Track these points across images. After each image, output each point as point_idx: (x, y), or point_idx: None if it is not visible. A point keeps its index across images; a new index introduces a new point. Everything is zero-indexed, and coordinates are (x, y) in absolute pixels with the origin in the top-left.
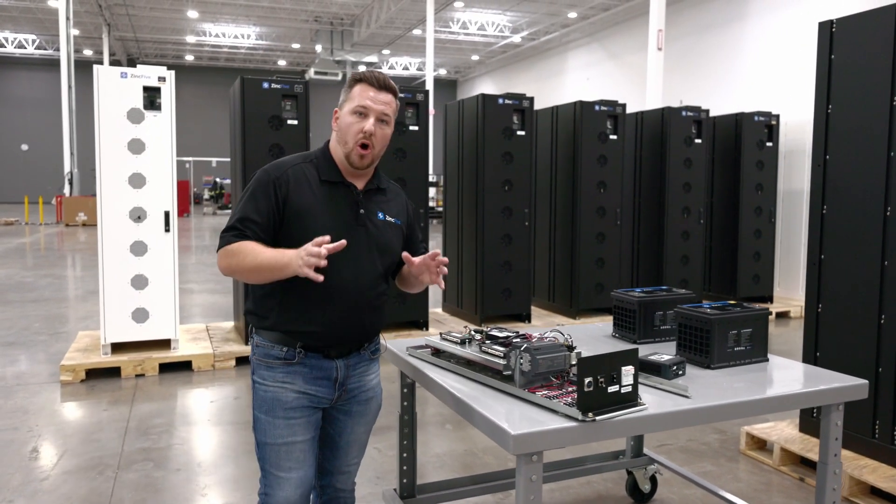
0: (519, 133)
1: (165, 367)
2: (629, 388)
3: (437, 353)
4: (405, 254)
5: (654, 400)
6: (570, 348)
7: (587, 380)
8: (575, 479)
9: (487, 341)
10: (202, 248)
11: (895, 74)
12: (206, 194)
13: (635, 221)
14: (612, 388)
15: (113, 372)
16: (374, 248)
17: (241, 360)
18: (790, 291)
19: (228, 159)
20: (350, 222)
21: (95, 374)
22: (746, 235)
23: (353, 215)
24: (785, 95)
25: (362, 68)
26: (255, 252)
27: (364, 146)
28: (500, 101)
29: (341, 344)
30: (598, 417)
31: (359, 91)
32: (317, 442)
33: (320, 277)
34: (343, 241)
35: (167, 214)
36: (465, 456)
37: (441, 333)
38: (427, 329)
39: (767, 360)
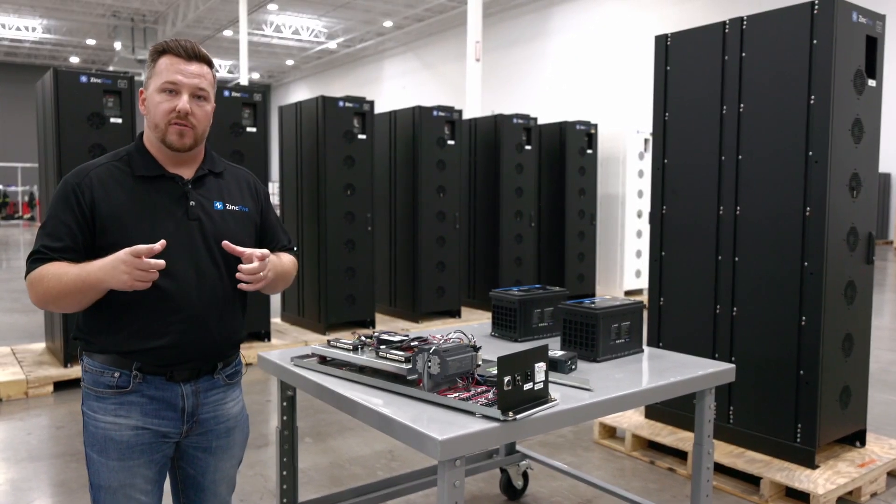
0: (360, 137)
1: None
2: (541, 385)
3: (323, 360)
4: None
5: (558, 395)
6: (476, 349)
7: (506, 378)
8: None
9: (382, 346)
10: None
11: (724, 85)
12: None
13: (471, 225)
14: (528, 386)
15: None
16: (213, 243)
17: (61, 385)
18: (609, 289)
19: (9, 164)
20: (179, 218)
21: None
22: (571, 237)
23: (181, 210)
24: (600, 106)
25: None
26: (58, 275)
27: (181, 124)
28: (341, 104)
29: (188, 362)
30: (518, 416)
31: (165, 64)
32: (163, 482)
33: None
34: (162, 242)
35: None
36: (331, 469)
37: (329, 340)
38: (270, 340)
39: (643, 350)
